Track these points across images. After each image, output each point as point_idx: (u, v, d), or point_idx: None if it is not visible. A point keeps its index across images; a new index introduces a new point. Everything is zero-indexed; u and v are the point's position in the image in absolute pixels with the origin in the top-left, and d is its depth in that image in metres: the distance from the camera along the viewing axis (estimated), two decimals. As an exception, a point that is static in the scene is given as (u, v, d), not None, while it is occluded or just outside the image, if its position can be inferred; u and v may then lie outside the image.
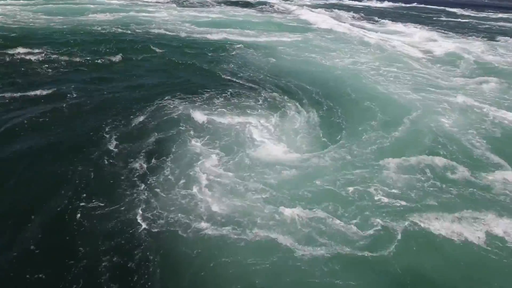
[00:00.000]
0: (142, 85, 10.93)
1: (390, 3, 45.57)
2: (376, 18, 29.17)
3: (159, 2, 26.50)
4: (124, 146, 7.50)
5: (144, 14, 21.33)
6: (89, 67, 12.13)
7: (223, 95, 10.41)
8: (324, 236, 5.53)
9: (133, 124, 8.42)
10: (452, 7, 43.64)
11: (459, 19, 33.66)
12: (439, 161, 7.55)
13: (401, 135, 8.71)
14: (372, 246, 5.42)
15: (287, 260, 5.15)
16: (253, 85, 11.49)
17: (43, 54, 12.71)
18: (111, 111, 8.99)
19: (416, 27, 25.30)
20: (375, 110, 10.05)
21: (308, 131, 8.77)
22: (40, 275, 4.70)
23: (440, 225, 5.84)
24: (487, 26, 30.02)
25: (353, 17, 29.36)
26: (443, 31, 24.67)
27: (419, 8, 42.00)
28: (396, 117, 9.59)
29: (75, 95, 9.67)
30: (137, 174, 6.70)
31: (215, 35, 17.74)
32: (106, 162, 6.94)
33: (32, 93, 9.54)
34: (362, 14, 31.27)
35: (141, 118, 8.69)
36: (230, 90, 10.82)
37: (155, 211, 5.79)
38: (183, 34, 17.47)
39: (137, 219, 5.63)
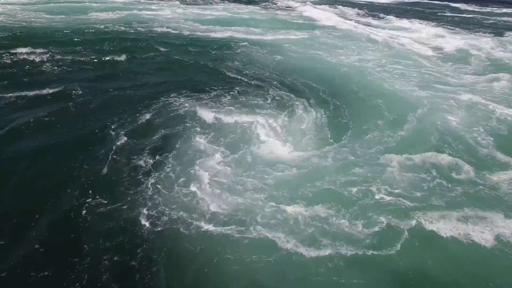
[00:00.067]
0: (147, 83, 10.84)
1: (393, -1, 45.05)
2: (381, 15, 28.83)
3: (162, 0, 26.21)
4: (131, 144, 7.52)
5: (147, 12, 21.06)
6: (94, 66, 12.02)
7: (231, 93, 10.32)
8: (328, 235, 5.51)
9: (140, 122, 8.41)
10: (455, 2, 43.11)
11: (464, 15, 33.31)
12: (446, 159, 7.48)
13: (408, 133, 8.62)
14: (377, 245, 5.39)
15: (290, 258, 5.14)
16: (260, 83, 11.35)
17: (47, 53, 12.56)
18: (117, 109, 8.97)
19: (421, 23, 25.00)
20: (383, 108, 9.92)
21: (315, 131, 8.68)
22: (45, 273, 4.73)
23: (446, 225, 5.80)
24: (492, 21, 29.68)
25: (358, 13, 29.02)
26: (449, 27, 24.34)
27: (422, 3, 41.54)
28: (404, 115, 9.50)
29: (80, 94, 9.64)
30: (143, 171, 6.74)
31: (220, 33, 17.50)
32: (111, 160, 6.95)
33: (37, 92, 9.54)
34: (366, 10, 30.93)
35: (148, 116, 8.67)
36: (237, 88, 10.71)
37: (159, 208, 5.83)
38: (186, 32, 17.24)
39: (140, 217, 5.68)
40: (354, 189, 6.50)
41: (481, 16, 32.43)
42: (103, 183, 6.37)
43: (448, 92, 11.38)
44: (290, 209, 5.95)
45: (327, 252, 5.23)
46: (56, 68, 11.51)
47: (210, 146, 7.66)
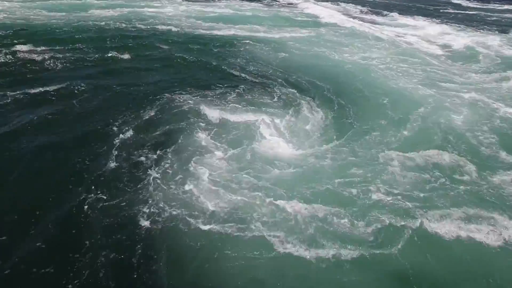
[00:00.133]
0: (150, 81, 10.76)
1: (395, -5, 44.71)
2: (384, 12, 28.55)
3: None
4: (134, 141, 7.52)
5: (148, 9, 20.78)
6: (96, 63, 11.89)
7: (236, 90, 10.25)
8: (329, 234, 5.49)
9: (143, 119, 8.40)
10: (457, -1, 42.85)
11: (467, 11, 33.08)
12: (449, 159, 7.50)
13: (413, 133, 8.55)
14: (378, 244, 5.35)
15: (291, 256, 5.14)
16: (264, 81, 11.26)
17: (48, 51, 12.37)
18: (120, 106, 8.94)
19: (425, 21, 24.78)
20: (388, 107, 9.86)
21: (319, 130, 8.62)
22: (47, 269, 4.74)
23: (448, 224, 5.74)
24: (495, 18, 29.46)
25: (361, 11, 28.76)
26: (453, 24, 24.10)
27: (424, 0, 41.26)
28: (409, 114, 9.42)
29: (83, 91, 9.59)
30: (146, 168, 6.74)
31: (222, 31, 17.31)
32: (114, 156, 6.97)
33: (40, 89, 9.48)
34: (369, 7, 30.67)
35: (152, 113, 8.66)
36: (241, 86, 10.63)
37: (159, 205, 5.84)
38: (189, 30, 17.04)
39: (141, 213, 5.68)
40: (356, 189, 6.44)
41: (484, 13, 32.21)
42: (106, 180, 6.36)
43: (455, 91, 11.26)
44: (291, 208, 5.92)
45: (327, 250, 5.21)
46: (58, 65, 11.39)
47: (213, 144, 7.63)
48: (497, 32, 21.69)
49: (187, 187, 6.26)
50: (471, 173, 7.04)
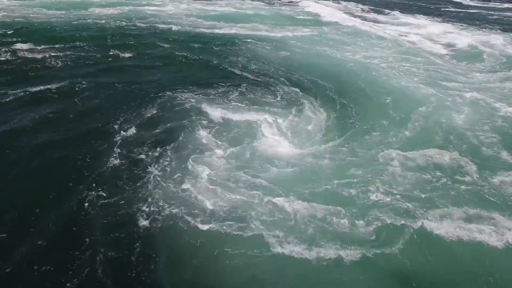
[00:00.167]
0: (151, 79, 10.71)
1: (395, -6, 44.59)
2: (386, 10, 28.45)
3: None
4: (135, 139, 7.51)
5: (149, 7, 20.66)
6: (97, 62, 11.82)
7: (239, 89, 10.18)
8: (329, 233, 5.48)
9: (145, 117, 8.38)
10: (457, -3, 42.72)
11: (468, 10, 32.98)
12: (450, 159, 7.44)
13: (415, 133, 8.48)
14: (378, 243, 5.34)
15: (290, 255, 5.14)
16: (266, 80, 11.17)
17: (48, 49, 12.28)
18: (122, 104, 8.91)
19: (427, 19, 24.69)
20: (390, 107, 9.80)
21: (321, 130, 8.58)
22: (47, 267, 4.75)
23: (448, 224, 5.72)
24: (496, 17, 29.39)
25: (362, 9, 28.66)
26: (455, 23, 24.00)
27: (424, -2, 41.12)
28: (412, 114, 9.36)
29: (84, 89, 9.54)
30: (146, 166, 6.75)
31: (224, 29, 17.20)
32: (115, 154, 6.98)
33: (41, 88, 9.40)
34: (370, 6, 30.56)
35: (153, 111, 8.66)
36: (243, 84, 10.58)
37: (159, 203, 5.85)
38: (190, 28, 16.93)
39: (141, 212, 5.69)
40: (357, 188, 6.42)
41: (485, 12, 32.13)
42: (107, 178, 6.36)
43: (458, 90, 11.16)
44: (291, 206, 5.92)
45: (327, 249, 5.19)
46: (58, 63, 11.31)
47: (214, 142, 7.64)
48: (499, 31, 21.59)
49: (186, 186, 6.27)
50: (472, 173, 7.01)
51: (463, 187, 6.64)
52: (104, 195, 5.96)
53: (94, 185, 6.15)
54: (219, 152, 7.30)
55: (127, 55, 12.63)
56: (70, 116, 8.20)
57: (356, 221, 5.71)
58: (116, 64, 11.80)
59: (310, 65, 12.77)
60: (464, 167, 7.17)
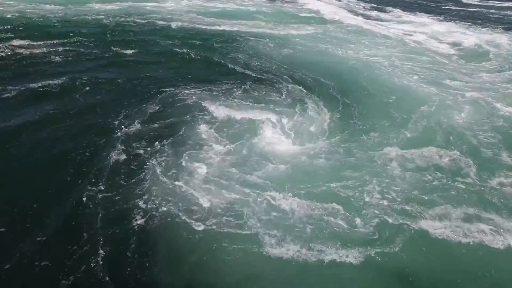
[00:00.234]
0: (152, 75, 10.61)
1: (396, -8, 44.38)
2: (387, 8, 28.26)
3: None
4: (137, 135, 7.48)
5: (149, 4, 20.38)
6: (97, 58, 11.68)
7: (242, 87, 10.09)
8: (327, 232, 5.45)
9: (146, 113, 8.29)
10: (456, -6, 42.56)
11: (468, 8, 32.83)
12: (451, 159, 7.42)
13: (417, 133, 8.44)
14: (378, 243, 5.32)
15: (287, 253, 5.11)
16: (269, 78, 11.07)
17: (47, 46, 12.10)
18: (122, 101, 8.83)
19: (429, 18, 24.53)
20: (393, 106, 9.73)
21: (323, 129, 8.51)
22: (46, 263, 4.75)
23: (448, 224, 5.70)
24: (497, 15, 29.24)
25: (364, 7, 28.45)
26: (458, 21, 23.83)
27: (425, -4, 40.97)
28: (414, 113, 9.30)
29: (85, 85, 9.46)
30: (146, 163, 6.71)
31: (225, 26, 16.98)
32: (116, 151, 6.97)
33: (41, 84, 9.28)
34: (372, 4, 30.36)
35: (156, 107, 8.61)
36: (247, 82, 10.49)
37: (157, 200, 5.84)
38: (191, 25, 16.71)
39: (139, 207, 5.71)
40: (357, 188, 6.41)
41: (486, 10, 31.99)
42: (107, 174, 6.35)
43: (461, 91, 11.04)
44: (291, 205, 5.91)
45: (325, 249, 5.17)
46: (58, 60, 11.15)
47: (215, 140, 7.60)
48: (502, 29, 21.44)
49: (184, 183, 6.26)
50: (472, 173, 6.99)
51: (463, 187, 6.62)
52: (104, 191, 5.94)
53: (93, 180, 6.13)
54: (221, 149, 7.26)
55: (127, 51, 12.49)
56: (70, 112, 8.12)
57: (355, 220, 5.68)
58: (116, 60, 11.68)
59: (314, 63, 12.64)
60: (464, 168, 7.15)
